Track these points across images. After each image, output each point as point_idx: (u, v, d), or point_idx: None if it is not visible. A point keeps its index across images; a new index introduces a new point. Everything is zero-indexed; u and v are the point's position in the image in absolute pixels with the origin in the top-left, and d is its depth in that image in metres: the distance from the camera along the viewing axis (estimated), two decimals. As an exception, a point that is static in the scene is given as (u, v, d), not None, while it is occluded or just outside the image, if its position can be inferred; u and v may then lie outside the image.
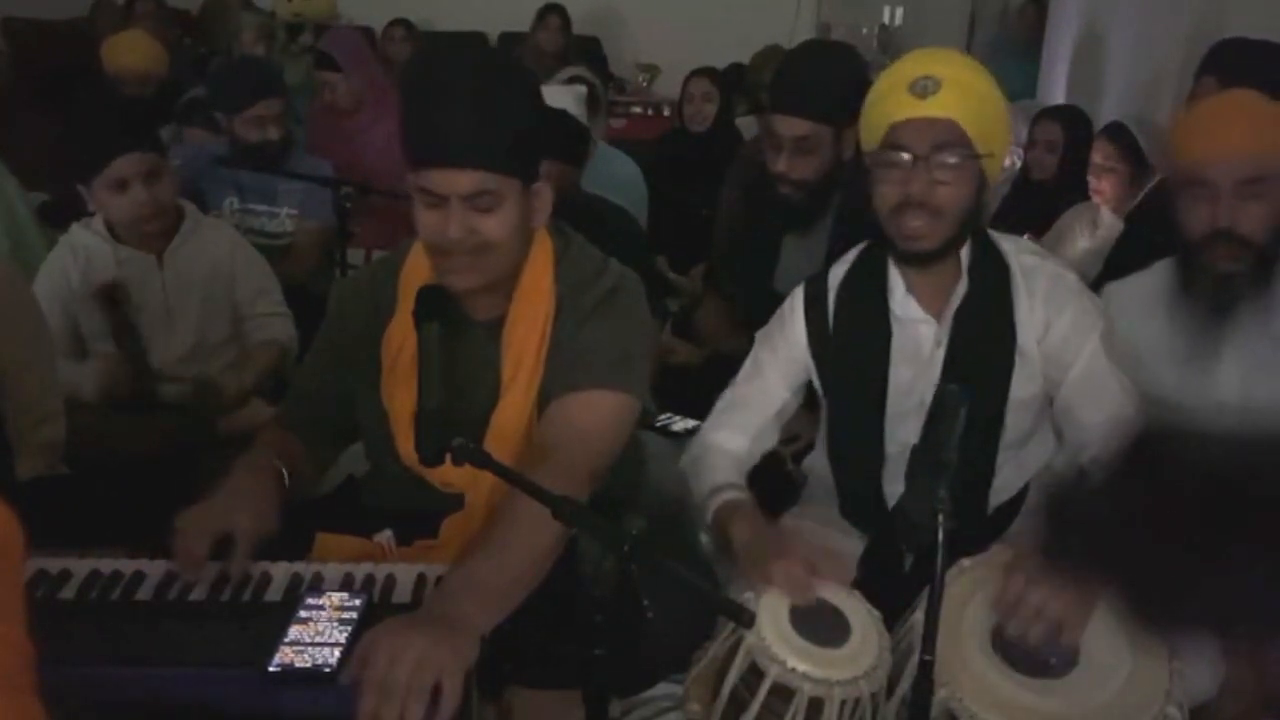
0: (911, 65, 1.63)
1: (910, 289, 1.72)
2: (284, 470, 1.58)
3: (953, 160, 1.59)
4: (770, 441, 1.88)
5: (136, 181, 2.22)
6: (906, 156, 1.59)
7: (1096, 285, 1.98)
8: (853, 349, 1.76)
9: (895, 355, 1.74)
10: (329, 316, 1.74)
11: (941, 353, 1.71)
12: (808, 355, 1.80)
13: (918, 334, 1.73)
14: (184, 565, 1.41)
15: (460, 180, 1.45)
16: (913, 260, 1.68)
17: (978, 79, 1.63)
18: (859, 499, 1.82)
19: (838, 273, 1.80)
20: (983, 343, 1.69)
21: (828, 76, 2.24)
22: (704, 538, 1.73)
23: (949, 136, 1.59)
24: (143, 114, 2.40)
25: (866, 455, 1.77)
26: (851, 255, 1.81)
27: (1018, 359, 1.69)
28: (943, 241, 1.64)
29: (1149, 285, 1.85)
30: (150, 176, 2.23)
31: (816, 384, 1.84)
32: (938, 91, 1.58)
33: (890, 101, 1.63)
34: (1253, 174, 1.67)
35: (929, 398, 1.50)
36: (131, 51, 3.80)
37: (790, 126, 2.22)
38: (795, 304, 1.83)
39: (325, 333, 1.74)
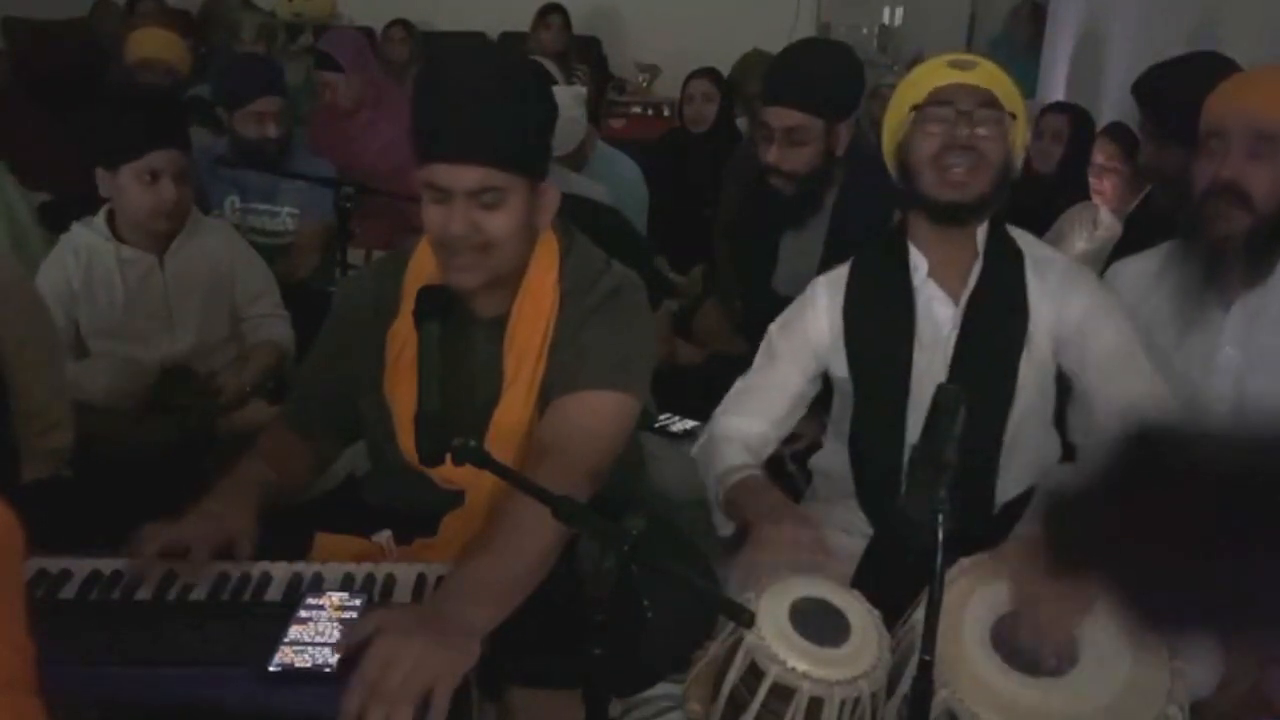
0: (947, 55, 1.76)
1: (931, 271, 1.74)
2: (270, 480, 1.59)
3: (993, 116, 1.69)
4: (785, 429, 1.88)
5: (167, 176, 2.24)
6: (951, 109, 1.69)
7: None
8: (878, 330, 1.77)
9: (918, 337, 1.75)
10: (333, 313, 1.74)
11: (955, 335, 1.72)
12: (828, 342, 1.81)
13: (937, 316, 1.74)
14: (132, 563, 1.41)
15: (465, 175, 1.46)
16: (947, 213, 1.71)
17: (1005, 74, 1.75)
18: (877, 487, 1.81)
19: (860, 257, 1.84)
20: (995, 326, 1.71)
21: (822, 70, 2.25)
22: (718, 521, 1.72)
23: (989, 99, 1.70)
24: (181, 114, 2.42)
25: (888, 440, 1.76)
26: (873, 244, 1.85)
27: (1027, 344, 1.70)
28: (979, 195, 1.69)
29: (1152, 262, 1.83)
30: (179, 175, 2.27)
31: (835, 373, 1.83)
32: (976, 67, 1.71)
33: (932, 74, 1.74)
34: (1267, 130, 1.63)
35: (943, 380, 1.52)
36: (160, 45, 3.80)
37: (781, 117, 2.23)
38: (817, 290, 1.84)
39: (329, 329, 1.74)
